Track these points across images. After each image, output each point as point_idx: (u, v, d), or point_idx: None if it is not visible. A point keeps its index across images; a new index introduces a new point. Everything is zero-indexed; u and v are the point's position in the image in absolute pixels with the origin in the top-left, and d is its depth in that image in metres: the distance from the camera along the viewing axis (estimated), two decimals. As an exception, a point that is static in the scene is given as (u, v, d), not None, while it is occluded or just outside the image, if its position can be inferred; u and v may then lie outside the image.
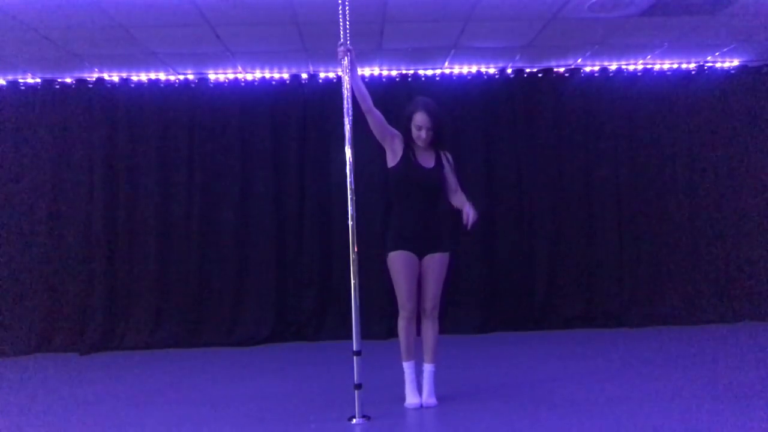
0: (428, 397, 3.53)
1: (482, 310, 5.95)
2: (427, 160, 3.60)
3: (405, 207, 3.56)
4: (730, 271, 6.07)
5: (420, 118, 3.53)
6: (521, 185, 6.12)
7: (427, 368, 3.57)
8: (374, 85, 5.62)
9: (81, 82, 5.97)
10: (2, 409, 3.86)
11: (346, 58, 3.47)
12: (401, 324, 3.57)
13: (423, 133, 3.53)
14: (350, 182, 3.47)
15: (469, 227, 3.41)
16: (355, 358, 3.33)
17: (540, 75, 6.18)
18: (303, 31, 5.01)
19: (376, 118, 3.58)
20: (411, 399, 3.54)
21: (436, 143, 3.62)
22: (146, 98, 5.99)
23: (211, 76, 6.02)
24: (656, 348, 4.98)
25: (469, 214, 3.39)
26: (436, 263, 3.51)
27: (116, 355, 5.55)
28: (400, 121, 3.63)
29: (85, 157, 5.94)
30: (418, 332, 3.61)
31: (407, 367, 3.58)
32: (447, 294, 3.74)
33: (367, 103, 3.54)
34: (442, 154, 3.66)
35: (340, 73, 3.79)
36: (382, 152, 3.71)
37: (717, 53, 5.94)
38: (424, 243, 3.51)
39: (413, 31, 5.11)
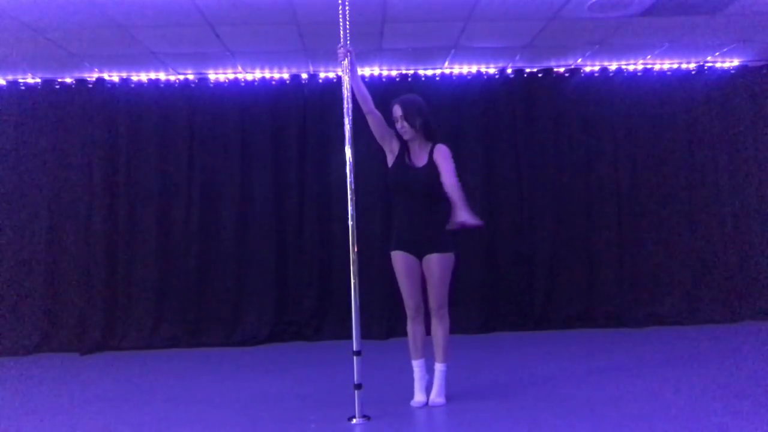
0: (435, 397, 3.54)
1: (482, 310, 5.95)
2: (421, 158, 3.57)
3: (400, 208, 3.59)
4: (730, 271, 6.07)
5: (394, 111, 3.58)
6: (521, 185, 6.11)
7: (437, 367, 3.58)
8: (374, 85, 5.62)
9: (81, 82, 5.97)
10: (2, 409, 3.86)
11: (346, 58, 3.48)
12: (407, 324, 3.63)
13: (399, 124, 3.55)
14: (350, 182, 3.47)
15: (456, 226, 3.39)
16: (355, 358, 3.34)
17: (540, 75, 6.18)
18: (303, 31, 5.01)
19: (376, 120, 3.60)
20: (415, 397, 3.56)
21: (426, 135, 3.57)
22: (146, 98, 5.99)
23: (211, 76, 6.01)
24: (656, 348, 4.98)
25: (459, 220, 3.34)
26: (434, 264, 3.51)
27: (116, 355, 5.54)
28: (391, 124, 3.64)
29: (85, 157, 5.94)
30: (429, 332, 3.62)
31: (414, 365, 3.60)
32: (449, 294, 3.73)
33: (368, 105, 3.57)
34: (434, 149, 3.57)
35: (340, 73, 3.79)
36: (382, 152, 3.71)
37: (717, 53, 5.94)
38: (421, 244, 3.52)
39: (413, 31, 5.11)
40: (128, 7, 4.46)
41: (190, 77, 6.02)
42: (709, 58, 6.08)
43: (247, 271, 5.95)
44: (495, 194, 6.09)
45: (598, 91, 6.17)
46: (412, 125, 3.53)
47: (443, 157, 3.52)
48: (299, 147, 6.06)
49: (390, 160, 3.64)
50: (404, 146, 3.62)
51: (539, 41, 5.43)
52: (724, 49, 5.83)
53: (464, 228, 3.38)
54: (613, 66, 6.16)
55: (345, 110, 3.48)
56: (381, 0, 4.49)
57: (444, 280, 3.53)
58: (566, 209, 6.09)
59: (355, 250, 3.43)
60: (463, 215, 3.33)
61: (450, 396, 3.59)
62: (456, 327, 3.68)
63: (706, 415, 3.20)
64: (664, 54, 5.91)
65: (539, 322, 5.95)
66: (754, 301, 6.02)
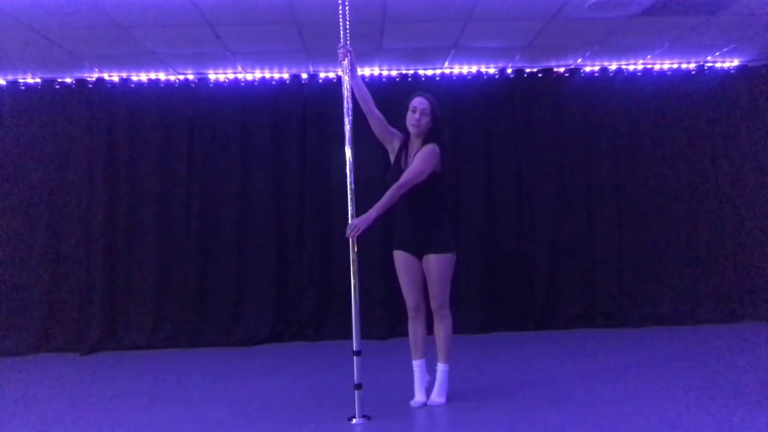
0: (435, 397, 3.55)
1: (482, 310, 5.95)
2: (411, 159, 3.54)
3: (399, 209, 3.58)
4: (730, 271, 6.07)
5: (416, 101, 3.53)
6: (521, 185, 6.11)
7: (438, 368, 3.59)
8: (374, 85, 5.62)
9: (81, 82, 5.97)
10: (2, 409, 3.86)
11: (346, 59, 3.48)
12: (408, 323, 3.65)
13: (417, 115, 3.49)
14: (350, 182, 3.48)
15: (347, 236, 3.42)
16: (355, 358, 3.34)
17: (540, 75, 6.18)
18: (303, 31, 5.01)
19: (376, 120, 3.62)
20: (415, 397, 3.57)
21: (428, 137, 3.53)
22: (146, 98, 5.98)
23: (211, 76, 6.01)
24: (656, 348, 4.98)
25: (351, 226, 3.39)
26: (431, 264, 3.52)
27: (116, 355, 5.55)
28: (403, 117, 3.61)
29: (85, 157, 5.93)
30: (431, 331, 3.63)
31: (414, 365, 3.62)
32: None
33: (368, 105, 3.58)
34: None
35: (340, 73, 3.80)
36: (382, 152, 3.71)
37: (717, 53, 5.94)
38: (418, 245, 3.54)
39: (413, 31, 5.11)
40: (128, 7, 4.46)
41: (190, 77, 6.02)
42: (709, 58, 6.08)
43: (247, 271, 5.95)
44: (495, 194, 6.09)
45: (598, 91, 6.16)
46: (427, 123, 3.51)
47: (419, 156, 3.48)
48: (299, 147, 6.06)
49: (392, 159, 3.66)
50: (403, 146, 3.62)
51: (539, 41, 5.43)
52: (724, 49, 5.83)
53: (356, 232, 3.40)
54: (613, 66, 6.16)
55: (345, 110, 3.49)
56: (381, 0, 4.49)
57: (443, 281, 3.53)
58: (566, 209, 6.09)
59: (355, 250, 3.44)
60: (354, 222, 3.38)
61: (450, 396, 3.59)
62: (456, 327, 3.68)
63: (706, 415, 3.20)
64: (664, 54, 5.91)
65: (539, 322, 5.95)
66: (754, 301, 6.02)
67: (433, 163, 3.47)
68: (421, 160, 3.45)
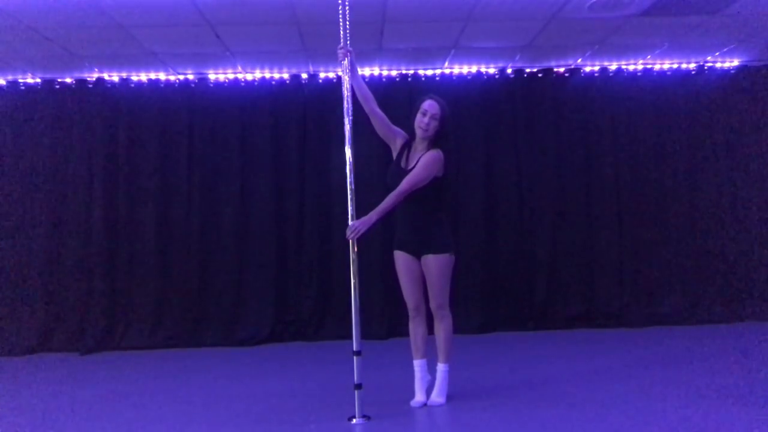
0: (435, 397, 3.55)
1: (482, 310, 5.95)
2: (414, 161, 3.53)
3: (399, 209, 3.57)
4: (730, 271, 6.07)
5: (427, 104, 3.50)
6: (521, 185, 6.11)
7: (438, 368, 3.60)
8: (374, 85, 5.61)
9: (81, 82, 5.97)
10: (2, 409, 3.86)
11: (346, 59, 3.48)
12: (409, 323, 3.65)
13: (427, 119, 3.47)
14: (350, 182, 3.47)
15: (347, 237, 3.42)
16: (355, 358, 3.34)
17: (540, 75, 6.18)
18: (303, 31, 5.02)
19: (379, 120, 3.61)
20: (416, 397, 3.57)
21: (434, 141, 3.52)
22: (146, 98, 5.99)
23: (211, 76, 6.02)
24: (656, 348, 4.98)
25: (351, 228, 3.40)
26: (430, 264, 3.52)
27: (116, 355, 5.55)
28: (405, 116, 3.60)
29: (85, 157, 5.94)
30: (432, 331, 3.63)
31: (415, 365, 3.62)
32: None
33: (370, 104, 3.57)
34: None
35: (340, 73, 3.79)
36: (382, 152, 3.71)
37: (717, 53, 5.94)
38: (417, 245, 3.54)
39: (413, 31, 5.12)
40: (128, 7, 4.47)
41: (190, 77, 6.02)
42: (709, 58, 6.08)
43: (247, 271, 5.95)
44: (495, 194, 6.09)
45: (598, 91, 6.17)
46: (435, 128, 3.49)
47: (423, 161, 3.47)
48: (299, 147, 6.06)
49: (394, 157, 3.66)
50: (405, 146, 3.61)
51: (539, 41, 5.43)
52: (724, 49, 5.83)
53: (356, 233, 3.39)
54: (613, 66, 6.16)
55: (345, 110, 3.48)
56: (381, 0, 4.49)
57: (442, 281, 3.53)
58: (566, 209, 6.09)
59: (355, 250, 3.44)
60: (354, 224, 3.38)
61: (450, 396, 3.59)
62: (456, 327, 3.69)
63: (706, 414, 3.20)
64: (664, 54, 5.91)
65: (539, 322, 5.95)
66: (754, 301, 6.02)
67: (434, 170, 3.46)
68: (422, 168, 3.44)
